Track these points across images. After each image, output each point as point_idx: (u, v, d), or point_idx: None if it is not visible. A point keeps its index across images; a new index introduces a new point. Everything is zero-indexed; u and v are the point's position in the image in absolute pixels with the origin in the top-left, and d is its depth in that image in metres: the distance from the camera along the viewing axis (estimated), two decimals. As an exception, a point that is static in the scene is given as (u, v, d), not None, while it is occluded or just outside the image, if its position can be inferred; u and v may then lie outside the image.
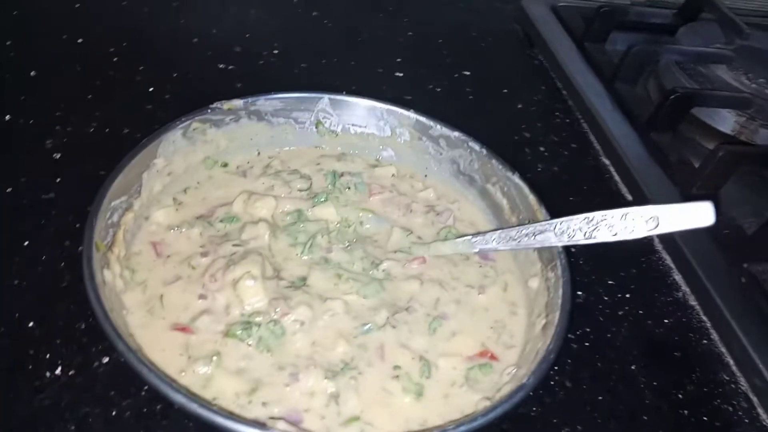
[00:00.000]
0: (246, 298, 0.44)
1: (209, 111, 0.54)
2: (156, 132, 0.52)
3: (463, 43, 0.91)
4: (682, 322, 0.57)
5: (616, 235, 0.43)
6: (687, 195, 0.66)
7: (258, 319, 0.43)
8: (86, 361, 0.45)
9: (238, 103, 0.56)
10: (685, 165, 0.69)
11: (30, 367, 0.44)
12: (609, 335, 0.55)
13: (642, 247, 0.64)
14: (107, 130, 0.64)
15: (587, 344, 0.53)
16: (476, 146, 0.58)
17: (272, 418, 0.38)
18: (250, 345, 0.42)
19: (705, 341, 0.56)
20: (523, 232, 0.49)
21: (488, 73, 0.86)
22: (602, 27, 0.88)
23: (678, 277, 0.61)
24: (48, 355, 0.45)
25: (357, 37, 0.89)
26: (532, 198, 0.53)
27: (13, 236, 0.53)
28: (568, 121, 0.79)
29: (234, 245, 0.48)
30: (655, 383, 0.52)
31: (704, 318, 0.58)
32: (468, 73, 0.84)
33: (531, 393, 0.40)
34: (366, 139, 0.61)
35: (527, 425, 0.46)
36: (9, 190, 0.57)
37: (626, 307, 0.57)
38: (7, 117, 0.63)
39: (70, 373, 0.44)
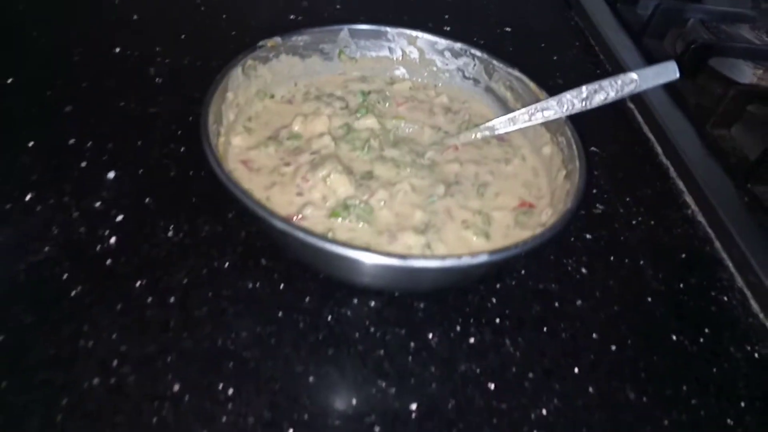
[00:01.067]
0: (338, 188, 0.54)
1: (258, 49, 0.63)
2: (224, 69, 0.59)
3: (506, 4, 1.01)
4: (689, 233, 0.66)
5: (606, 98, 0.56)
6: (702, 132, 0.74)
7: (351, 201, 0.53)
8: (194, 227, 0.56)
9: (277, 39, 0.64)
10: (701, 107, 0.77)
11: (147, 230, 0.56)
12: (622, 238, 0.64)
13: (658, 173, 0.73)
14: (199, 63, 0.76)
15: (602, 243, 0.63)
16: (477, 52, 0.68)
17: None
18: (350, 222, 0.52)
19: (708, 248, 0.65)
20: (531, 111, 0.61)
21: (528, 31, 0.95)
22: (634, -10, 0.96)
23: (688, 198, 0.70)
24: (162, 222, 0.57)
25: (410, -4, 0.99)
26: (532, 85, 0.64)
27: (126, 138, 0.65)
28: (598, 72, 0.88)
29: (310, 154, 0.59)
30: (660, 275, 0.60)
31: (709, 230, 0.66)
32: (509, 29, 0.94)
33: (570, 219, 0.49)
34: (381, 61, 0.71)
35: (548, 299, 0.56)
36: (122, 104, 0.69)
37: (639, 218, 0.66)
38: (117, 49, 0.76)
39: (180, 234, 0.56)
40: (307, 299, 0.52)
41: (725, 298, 0.60)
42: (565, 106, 0.59)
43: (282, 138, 0.60)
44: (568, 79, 0.85)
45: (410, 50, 0.70)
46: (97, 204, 0.57)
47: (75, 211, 0.56)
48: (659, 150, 0.76)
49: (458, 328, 0.52)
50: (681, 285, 0.60)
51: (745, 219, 0.65)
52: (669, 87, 0.81)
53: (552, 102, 0.60)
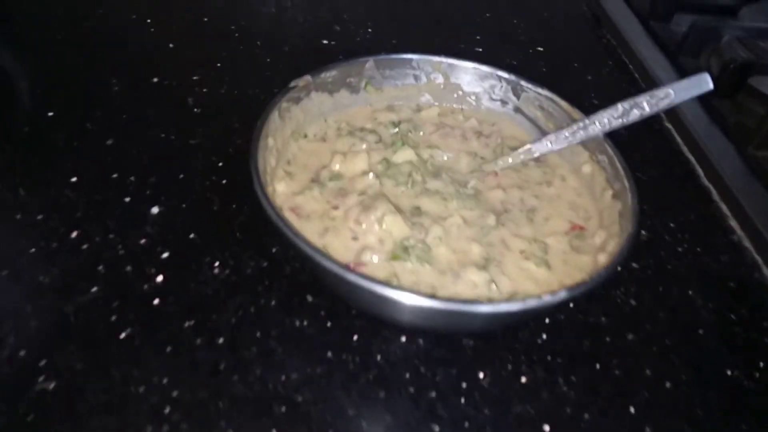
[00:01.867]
0: (393, 230, 0.53)
1: (291, 90, 0.61)
2: (262, 115, 0.57)
3: (536, 24, 1.00)
4: (736, 260, 0.65)
5: (642, 114, 0.57)
6: (744, 153, 0.73)
7: (408, 242, 0.53)
8: (241, 265, 0.56)
9: (308, 78, 0.63)
10: (741, 126, 0.76)
11: (193, 266, 0.56)
12: (669, 267, 0.63)
13: (700, 196, 0.71)
14: (236, 91, 0.76)
15: (649, 272, 0.62)
16: (504, 74, 0.68)
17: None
18: (411, 264, 0.51)
19: (757, 275, 0.63)
20: (571, 130, 0.61)
21: (560, 50, 0.94)
22: (667, 7, 0.95)
23: (733, 223, 0.68)
24: (208, 258, 0.57)
25: (440, 17, 0.98)
26: (564, 104, 0.64)
27: (168, 171, 0.65)
28: (633, 90, 0.86)
29: (358, 195, 0.57)
30: (710, 305, 0.59)
31: (757, 256, 0.65)
32: (541, 49, 0.93)
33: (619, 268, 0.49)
34: (406, 89, 0.70)
35: (597, 333, 0.55)
36: (162, 135, 0.69)
37: (685, 245, 0.65)
38: (155, 79, 0.76)
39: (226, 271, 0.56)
40: (355, 338, 0.52)
41: (779, 330, 0.58)
42: (602, 124, 0.59)
43: (324, 179, 0.59)
44: (604, 98, 0.84)
45: (435, 76, 0.70)
46: (143, 241, 0.57)
47: (121, 249, 0.56)
48: (700, 172, 0.75)
49: (509, 366, 0.51)
50: (732, 316, 0.59)
51: (794, 246, 0.64)
52: (708, 106, 0.80)
53: (588, 120, 0.60)
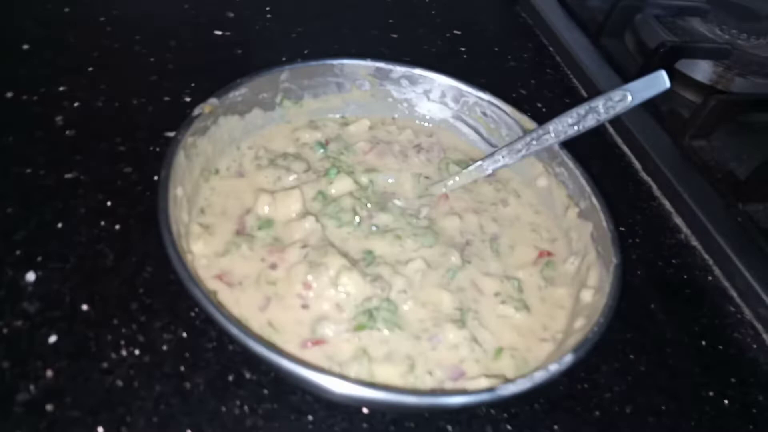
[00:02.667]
0: (353, 290, 0.44)
1: (195, 120, 0.49)
2: (165, 159, 0.45)
3: (449, 3, 0.92)
4: (688, 261, 0.62)
5: (599, 119, 0.51)
6: (680, 144, 0.70)
7: (370, 304, 0.44)
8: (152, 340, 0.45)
9: (214, 102, 0.51)
10: (674, 115, 0.73)
11: (93, 350, 0.44)
12: (628, 278, 0.59)
13: (642, 192, 0.68)
14: (117, 103, 0.62)
15: (610, 288, 0.57)
16: (441, 78, 0.60)
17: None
18: (379, 331, 0.43)
19: (710, 277, 0.61)
20: (524, 142, 0.54)
21: (477, 33, 0.87)
22: (582, -18, 0.90)
23: (678, 221, 0.66)
24: (109, 337, 0.45)
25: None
26: (510, 110, 0.58)
27: (40, 220, 0.51)
28: (559, 77, 0.82)
29: (300, 248, 0.47)
30: (673, 319, 0.56)
31: (706, 256, 0.63)
32: (458, 32, 0.85)
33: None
34: (328, 100, 0.60)
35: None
36: (28, 171, 0.55)
37: (638, 251, 0.62)
38: (9, 94, 0.61)
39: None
40: (310, 418, 0.43)
41: (739, 336, 0.57)
42: (557, 133, 0.53)
43: (251, 229, 0.48)
44: (530, 87, 0.79)
45: (360, 83, 0.60)
46: (19, 323, 0.45)
47: (-10, 339, 0.43)
48: (638, 166, 0.72)
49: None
50: (696, 328, 0.56)
51: (740, 241, 0.62)
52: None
53: (541, 130, 0.54)
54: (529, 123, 0.56)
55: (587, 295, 0.46)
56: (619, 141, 0.74)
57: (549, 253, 0.52)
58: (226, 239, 0.47)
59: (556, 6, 0.89)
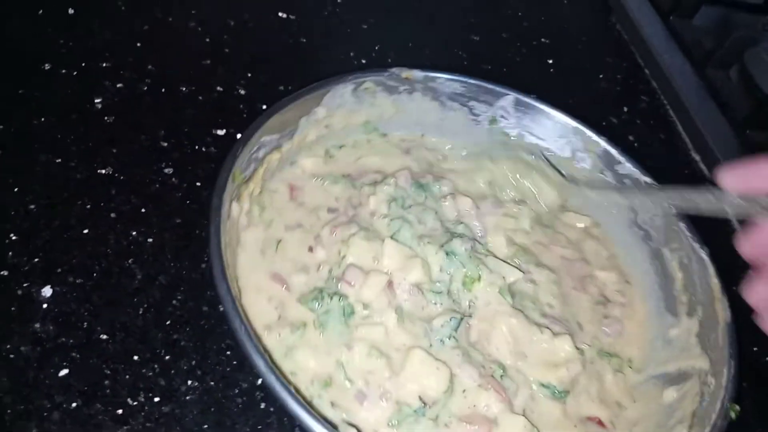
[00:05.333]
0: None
1: (386, 74, 0.50)
2: (326, 80, 0.48)
3: (537, 7, 0.82)
4: None
5: None
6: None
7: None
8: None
9: (417, 74, 0.51)
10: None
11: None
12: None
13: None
14: (163, 89, 0.56)
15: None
16: (666, 195, 0.43)
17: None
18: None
19: None
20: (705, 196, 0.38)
21: (567, 44, 0.78)
22: (692, -1, 0.80)
23: None
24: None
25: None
26: (714, 282, 0.45)
27: (66, 222, 0.45)
28: (654, 106, 0.73)
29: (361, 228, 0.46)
30: None
31: None
32: (547, 41, 0.76)
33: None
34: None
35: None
36: (58, 161, 0.48)
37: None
38: (47, 66, 0.54)
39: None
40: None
41: None
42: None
43: (360, 183, 0.50)
44: (622, 116, 0.70)
45: (582, 156, 0.54)
46: (28, 348, 0.39)
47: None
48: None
49: None
50: None
51: None
52: (743, 140, 0.67)
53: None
54: (718, 304, 0.44)
55: None
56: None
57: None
58: (333, 173, 0.51)
59: (656, 22, 0.79)
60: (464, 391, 0.40)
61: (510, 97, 0.52)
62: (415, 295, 0.43)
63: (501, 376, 0.42)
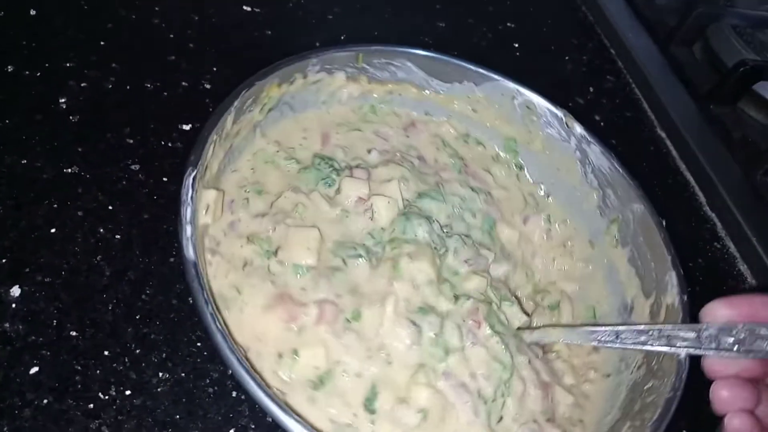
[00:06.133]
0: None
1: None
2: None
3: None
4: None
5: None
6: (752, 178, 0.63)
7: None
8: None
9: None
10: (748, 144, 0.66)
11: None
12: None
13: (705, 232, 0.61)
14: (128, 86, 0.56)
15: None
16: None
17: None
18: None
19: None
20: (654, 330, 0.39)
21: (532, 26, 0.79)
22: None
23: (743, 267, 0.59)
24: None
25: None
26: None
27: (33, 222, 0.46)
28: (620, 85, 0.74)
29: None
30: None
31: None
32: (512, 25, 0.77)
33: None
34: None
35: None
36: (24, 161, 0.49)
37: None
38: (9, 68, 0.54)
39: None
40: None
41: None
42: (713, 342, 0.36)
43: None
44: (588, 95, 0.71)
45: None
46: None
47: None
48: (702, 199, 0.64)
49: None
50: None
51: None
52: (707, 114, 0.68)
53: (688, 332, 0.37)
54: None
55: None
56: (682, 167, 0.67)
57: None
58: None
59: (620, 2, 0.80)
60: None
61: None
62: None
63: None
